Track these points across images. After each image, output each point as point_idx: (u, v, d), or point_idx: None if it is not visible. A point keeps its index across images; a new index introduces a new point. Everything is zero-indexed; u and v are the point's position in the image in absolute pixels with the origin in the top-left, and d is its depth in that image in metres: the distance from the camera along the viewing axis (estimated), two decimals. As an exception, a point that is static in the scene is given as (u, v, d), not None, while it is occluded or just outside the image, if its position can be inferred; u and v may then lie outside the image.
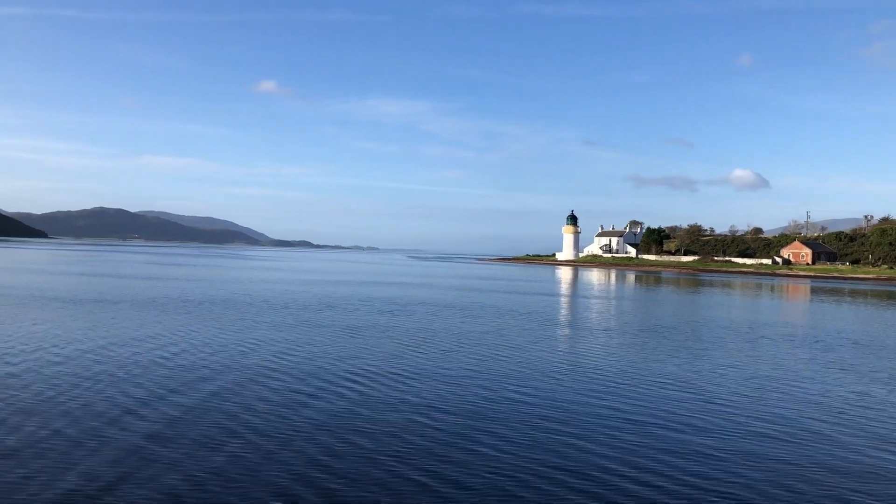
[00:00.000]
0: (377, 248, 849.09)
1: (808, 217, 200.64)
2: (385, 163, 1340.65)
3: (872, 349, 26.39)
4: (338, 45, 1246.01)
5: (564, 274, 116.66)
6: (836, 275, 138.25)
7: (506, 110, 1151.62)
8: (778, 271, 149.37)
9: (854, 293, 77.03)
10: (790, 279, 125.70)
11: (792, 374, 20.05)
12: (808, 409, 15.50)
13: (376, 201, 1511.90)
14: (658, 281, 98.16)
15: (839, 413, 15.16)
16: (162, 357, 19.14)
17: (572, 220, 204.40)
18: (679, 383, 17.99)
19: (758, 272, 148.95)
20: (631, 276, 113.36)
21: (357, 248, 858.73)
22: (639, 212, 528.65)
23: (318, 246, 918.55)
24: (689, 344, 26.22)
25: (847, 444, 12.68)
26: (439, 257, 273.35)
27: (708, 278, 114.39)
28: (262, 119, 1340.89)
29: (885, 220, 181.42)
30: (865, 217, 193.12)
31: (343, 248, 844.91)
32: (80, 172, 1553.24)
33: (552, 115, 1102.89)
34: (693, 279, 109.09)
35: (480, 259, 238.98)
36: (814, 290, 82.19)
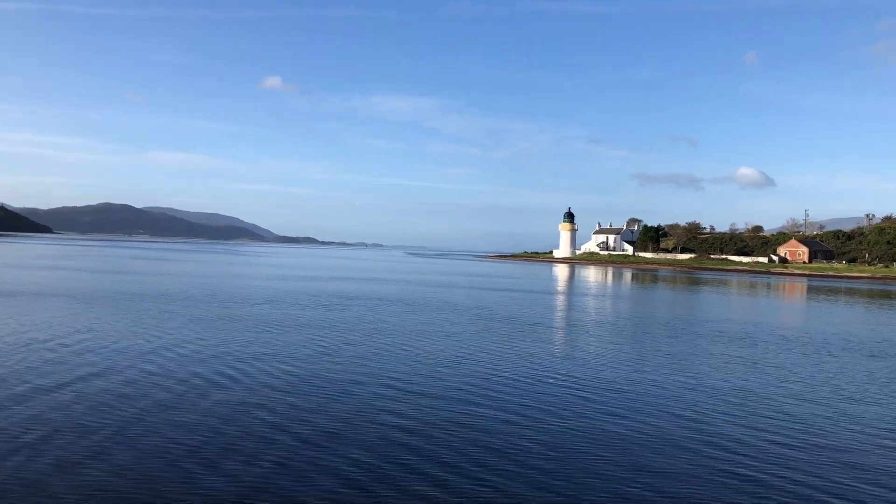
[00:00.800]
0: (381, 245, 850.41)
1: (807, 215, 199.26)
2: (390, 160, 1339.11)
3: (796, 345, 26.32)
4: (343, 42, 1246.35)
5: (554, 271, 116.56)
6: (830, 273, 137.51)
7: (511, 108, 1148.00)
8: (772, 269, 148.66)
9: (840, 291, 76.61)
10: (783, 277, 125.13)
11: (685, 367, 20.05)
12: (679, 395, 15.47)
13: (381, 198, 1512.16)
14: (646, 279, 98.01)
15: (696, 401, 15.11)
16: (55, 348, 19.25)
17: (569, 217, 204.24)
18: (560, 375, 17.98)
19: (752, 270, 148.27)
20: (621, 274, 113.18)
21: (362, 244, 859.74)
22: (643, 210, 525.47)
23: (322, 242, 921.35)
24: (608, 338, 26.20)
25: (700, 426, 12.66)
26: (438, 254, 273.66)
27: (700, 276, 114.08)
28: (268, 115, 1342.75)
29: (888, 218, 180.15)
30: (867, 216, 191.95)
31: (348, 244, 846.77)
32: (86, 168, 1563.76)
33: (557, 112, 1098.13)
34: (684, 277, 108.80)
35: (479, 256, 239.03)
36: (799, 289, 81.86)
